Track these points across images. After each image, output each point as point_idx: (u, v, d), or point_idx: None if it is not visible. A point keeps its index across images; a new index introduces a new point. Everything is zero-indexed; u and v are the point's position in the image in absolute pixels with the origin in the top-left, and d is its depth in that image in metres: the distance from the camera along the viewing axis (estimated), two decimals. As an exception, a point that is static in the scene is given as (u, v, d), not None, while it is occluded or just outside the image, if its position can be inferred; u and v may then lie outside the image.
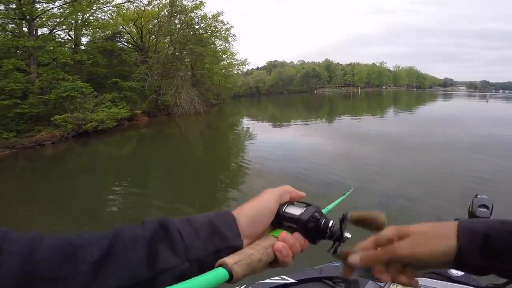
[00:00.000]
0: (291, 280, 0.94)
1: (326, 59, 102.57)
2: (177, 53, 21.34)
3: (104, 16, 20.38)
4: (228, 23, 25.30)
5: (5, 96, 11.26)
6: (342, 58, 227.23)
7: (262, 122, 16.75)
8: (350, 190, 0.57)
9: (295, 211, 0.41)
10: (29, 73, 12.45)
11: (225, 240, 0.35)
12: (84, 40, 20.90)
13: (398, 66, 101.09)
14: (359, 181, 5.03)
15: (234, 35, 26.40)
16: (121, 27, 22.94)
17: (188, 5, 23.19)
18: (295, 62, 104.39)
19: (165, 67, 18.15)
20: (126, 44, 23.70)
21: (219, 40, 26.24)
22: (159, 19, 20.84)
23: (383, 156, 6.86)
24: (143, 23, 21.79)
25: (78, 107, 11.79)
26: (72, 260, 0.28)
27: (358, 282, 0.91)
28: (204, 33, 24.71)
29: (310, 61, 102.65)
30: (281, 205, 0.41)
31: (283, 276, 0.95)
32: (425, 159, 6.33)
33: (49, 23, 15.57)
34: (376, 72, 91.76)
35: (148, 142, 11.85)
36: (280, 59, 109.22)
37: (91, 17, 18.50)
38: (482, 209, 1.10)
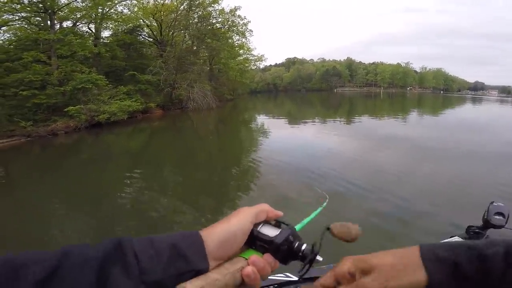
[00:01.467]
0: (295, 278, 0.93)
1: (348, 57, 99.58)
2: (194, 47, 21.32)
3: (124, 9, 20.71)
4: (245, 18, 24.93)
5: (24, 87, 11.63)
6: (365, 57, 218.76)
7: (277, 118, 16.38)
8: (325, 201, 0.55)
9: (270, 232, 0.40)
10: (49, 65, 12.79)
11: (188, 263, 0.33)
12: (106, 33, 21.47)
13: (425, 68, 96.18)
14: (373, 186, 4.69)
15: (251, 30, 25.99)
16: (141, 20, 23.30)
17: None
18: (315, 60, 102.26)
19: (180, 61, 18.12)
20: (147, 38, 24.09)
21: (236, 35, 25.91)
22: (177, 12, 20.81)
23: (402, 160, 6.47)
24: (162, 17, 21.93)
25: (92, 98, 11.95)
26: (12, 280, 0.27)
27: None
28: (221, 28, 24.55)
29: (331, 59, 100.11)
30: (256, 224, 0.40)
31: (287, 274, 0.94)
32: (447, 166, 5.97)
33: (71, 16, 16.01)
34: (400, 73, 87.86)
35: (158, 135, 11.92)
36: (299, 56, 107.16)
37: (111, 10, 18.83)
38: (497, 217, 1.09)
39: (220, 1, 23.38)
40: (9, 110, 11.07)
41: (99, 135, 11.49)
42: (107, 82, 13.40)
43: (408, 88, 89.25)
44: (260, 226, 0.40)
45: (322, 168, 5.64)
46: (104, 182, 5.81)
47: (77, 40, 13.61)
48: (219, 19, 23.68)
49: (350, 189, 4.55)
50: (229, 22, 24.64)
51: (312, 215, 0.49)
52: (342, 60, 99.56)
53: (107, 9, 17.97)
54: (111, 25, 20.51)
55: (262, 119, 16.12)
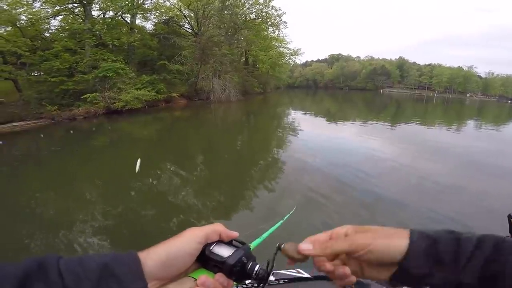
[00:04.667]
0: (306, 275, 0.93)
1: (400, 57, 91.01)
2: (222, 38, 20.73)
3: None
4: (280, 9, 23.62)
5: (55, 74, 12.29)
6: (421, 57, 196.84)
7: (309, 116, 15.08)
8: (289, 214, 0.55)
9: (223, 251, 0.40)
10: (79, 54, 13.31)
11: (120, 283, 0.33)
12: (145, 24, 22.09)
13: (492, 73, 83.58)
14: (413, 201, 4.13)
15: (285, 22, 24.66)
16: (179, 11, 23.50)
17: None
18: (362, 57, 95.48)
19: (204, 52, 17.72)
20: (184, 28, 24.29)
21: (270, 27, 24.76)
22: (211, 5, 20.42)
23: (447, 173, 5.65)
24: (198, 8, 21.73)
25: (112, 86, 12.13)
26: None
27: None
28: (255, 19, 23.64)
29: (380, 58, 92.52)
30: (209, 244, 0.40)
31: (299, 270, 0.94)
32: (502, 185, 5.16)
33: (110, 7, 16.56)
34: (461, 77, 77.59)
35: (174, 125, 11.72)
36: (344, 53, 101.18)
37: (147, 1, 19.07)
38: None
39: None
40: (39, 94, 11.86)
41: (114, 122, 11.62)
42: (131, 71, 13.53)
43: (468, 94, 78.56)
44: (213, 245, 0.40)
45: (347, 174, 5.16)
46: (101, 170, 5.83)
47: (104, 31, 13.86)
48: (253, 9, 22.75)
49: (383, 199, 4.10)
50: (263, 14, 23.61)
51: (270, 230, 0.49)
52: (393, 59, 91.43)
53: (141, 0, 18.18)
54: (147, 15, 20.97)
55: (290, 116, 15.03)
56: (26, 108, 11.10)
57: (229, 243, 0.41)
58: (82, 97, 11.61)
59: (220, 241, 0.41)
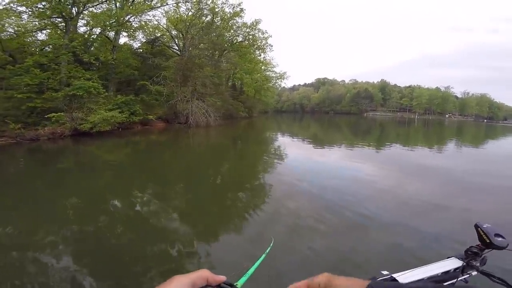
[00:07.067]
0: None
1: (382, 79, 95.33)
2: (212, 59, 20.66)
3: (151, 18, 20.93)
4: (266, 32, 24.19)
5: (22, 90, 11.53)
6: (401, 79, 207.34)
7: (297, 141, 14.63)
8: (269, 247, 0.57)
9: None
10: (52, 70, 12.69)
11: None
12: (135, 44, 21.91)
13: (468, 93, 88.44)
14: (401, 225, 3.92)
15: (271, 45, 25.16)
16: (166, 31, 23.60)
17: (229, 11, 22.88)
18: (346, 81, 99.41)
19: (184, 73, 17.44)
20: (174, 49, 24.21)
21: (256, 50, 25.18)
22: (195, 27, 20.59)
23: (430, 192, 5.56)
24: (186, 29, 21.80)
25: (80, 106, 11.39)
26: None
27: None
28: (242, 41, 23.99)
29: (363, 81, 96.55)
30: None
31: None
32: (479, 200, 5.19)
33: (89, 22, 16.32)
34: (439, 98, 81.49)
35: (145, 150, 10.73)
36: (330, 77, 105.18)
37: (135, 19, 18.98)
38: (499, 239, 1.16)
39: (242, 14, 23.07)
40: (6, 111, 10.96)
41: (82, 144, 10.70)
42: (104, 90, 12.88)
43: (447, 115, 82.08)
44: None
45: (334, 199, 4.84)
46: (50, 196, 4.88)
47: (81, 47, 13.41)
48: (239, 32, 23.15)
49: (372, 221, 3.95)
50: (250, 36, 24.06)
51: (255, 266, 0.51)
52: (375, 82, 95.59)
53: (129, 17, 18.07)
54: (136, 34, 20.84)
55: (275, 142, 14.50)
56: (-13, 125, 10.23)
57: (216, 286, 0.41)
58: (46, 116, 10.75)
59: (208, 286, 0.40)
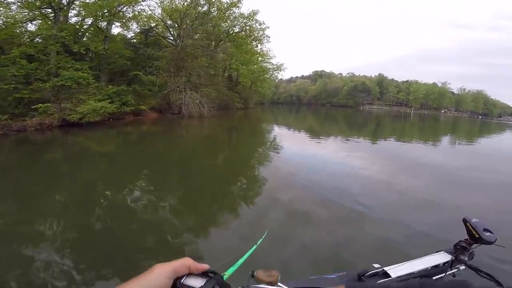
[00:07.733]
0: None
1: (379, 73, 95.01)
2: (208, 49, 20.25)
3: (142, 8, 20.36)
4: (264, 23, 23.69)
5: (8, 81, 11.20)
6: (399, 74, 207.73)
7: (288, 131, 14.55)
8: (261, 239, 0.55)
9: (194, 283, 0.41)
10: (40, 60, 12.32)
11: None
12: (129, 34, 21.35)
13: (464, 89, 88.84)
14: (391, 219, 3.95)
15: (268, 36, 24.67)
16: (161, 21, 23.00)
17: (226, 2, 22.34)
18: (344, 74, 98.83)
19: (177, 63, 17.08)
20: (169, 39, 23.66)
21: (253, 41, 24.72)
22: (189, 16, 20.07)
23: (427, 189, 5.44)
24: (181, 18, 21.28)
25: (69, 97, 11.10)
26: None
27: None
28: (239, 32, 23.52)
29: (361, 75, 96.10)
30: (179, 278, 0.41)
31: (279, 284, 0.87)
32: (478, 199, 5.05)
33: (83, 14, 15.87)
34: (436, 93, 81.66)
35: (137, 141, 10.53)
36: (328, 70, 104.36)
37: (129, 10, 18.44)
38: (487, 233, 1.16)
39: (239, 5, 22.56)
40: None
41: (71, 135, 10.47)
42: (94, 81, 12.56)
43: (442, 110, 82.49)
44: (184, 278, 0.41)
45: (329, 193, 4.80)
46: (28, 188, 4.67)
47: (70, 37, 13.00)
48: (236, 23, 22.66)
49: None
50: (247, 27, 23.57)
51: (244, 257, 0.51)
52: (373, 76, 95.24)
53: (123, 7, 17.56)
54: (129, 24, 20.30)
55: (270, 134, 14.40)
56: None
57: (200, 274, 0.41)
58: (33, 107, 10.47)
59: (190, 274, 0.40)
